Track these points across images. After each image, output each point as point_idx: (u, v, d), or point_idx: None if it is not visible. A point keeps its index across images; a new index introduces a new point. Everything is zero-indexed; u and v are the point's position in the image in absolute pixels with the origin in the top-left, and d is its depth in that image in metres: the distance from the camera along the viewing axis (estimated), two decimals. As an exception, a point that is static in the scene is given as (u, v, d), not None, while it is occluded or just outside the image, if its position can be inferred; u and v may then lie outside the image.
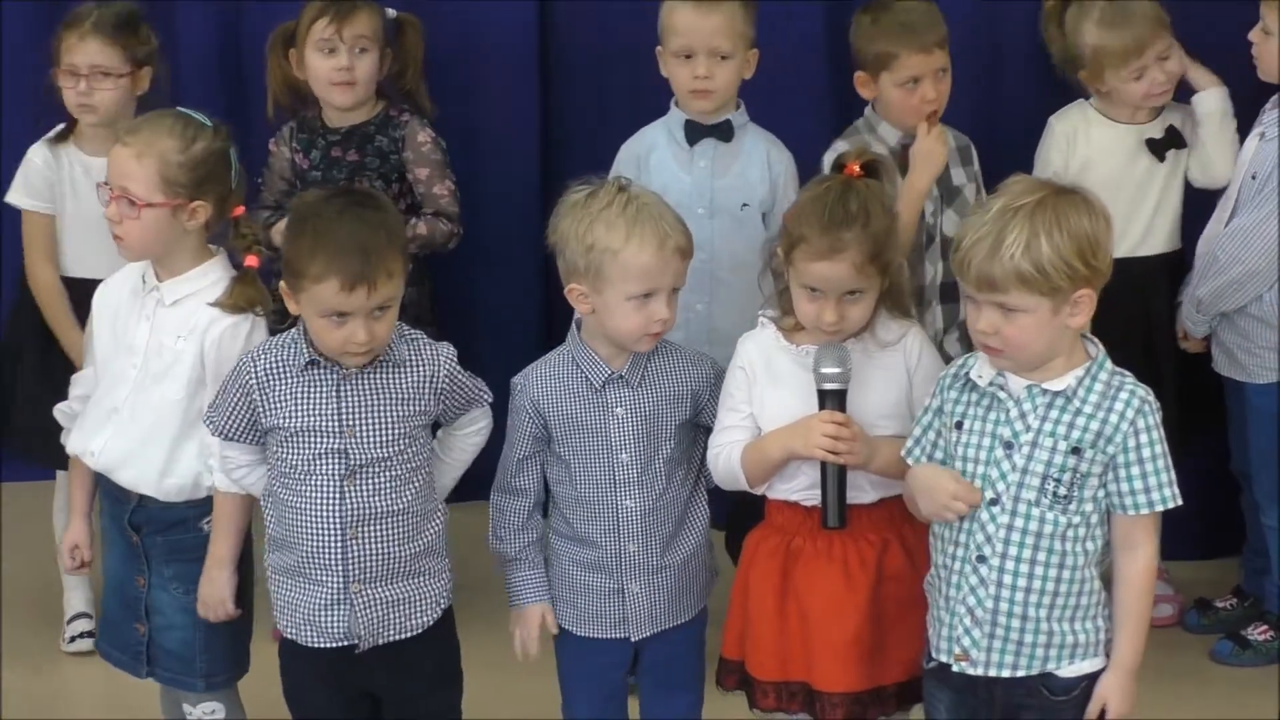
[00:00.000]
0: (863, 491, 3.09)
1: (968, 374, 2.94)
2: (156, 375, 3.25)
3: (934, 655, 2.98)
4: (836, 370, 3.00)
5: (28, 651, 4.16)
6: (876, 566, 3.10)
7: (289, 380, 3.09)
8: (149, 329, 3.26)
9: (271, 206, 4.19)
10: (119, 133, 3.30)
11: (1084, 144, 4.12)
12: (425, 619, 3.17)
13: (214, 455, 3.21)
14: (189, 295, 3.26)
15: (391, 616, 3.13)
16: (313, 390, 3.08)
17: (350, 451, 3.07)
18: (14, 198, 4.19)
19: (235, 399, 3.12)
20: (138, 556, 3.30)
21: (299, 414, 3.08)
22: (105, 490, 3.33)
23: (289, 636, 3.15)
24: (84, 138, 4.15)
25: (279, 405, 3.09)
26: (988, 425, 2.90)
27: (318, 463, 3.07)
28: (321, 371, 3.09)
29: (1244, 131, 4.08)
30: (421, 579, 3.16)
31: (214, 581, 3.26)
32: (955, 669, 2.93)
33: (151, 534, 3.29)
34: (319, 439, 3.07)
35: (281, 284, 3.08)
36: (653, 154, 3.99)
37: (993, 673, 2.91)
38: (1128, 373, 2.93)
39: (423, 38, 4.31)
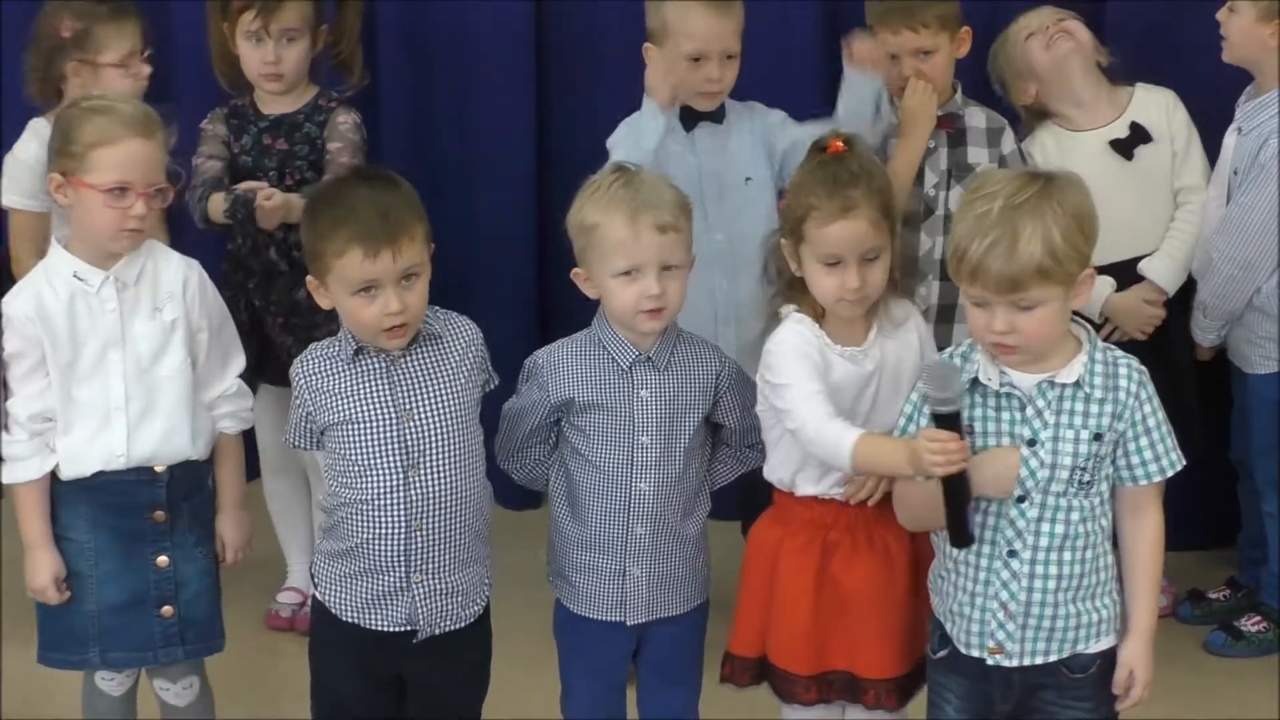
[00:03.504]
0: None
1: (974, 378, 2.93)
2: (152, 354, 3.24)
3: (963, 650, 2.98)
4: (944, 395, 2.87)
5: (25, 646, 4.16)
6: (911, 550, 3.13)
7: (336, 375, 3.08)
8: (116, 318, 3.22)
9: (206, 182, 4.10)
10: (120, 126, 3.17)
11: (1056, 157, 4.10)
12: (477, 608, 3.17)
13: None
14: (142, 270, 3.25)
15: (450, 607, 3.12)
16: (362, 381, 3.06)
17: (410, 438, 3.05)
18: (7, 200, 4.13)
19: (295, 408, 3.14)
20: (161, 536, 3.27)
21: (351, 405, 3.06)
22: (107, 491, 3.25)
23: (349, 620, 3.12)
24: None
25: (329, 400, 3.07)
26: (1003, 426, 2.91)
27: (378, 455, 3.05)
28: (370, 360, 3.07)
29: (1224, 127, 4.10)
30: (475, 567, 3.16)
31: (240, 521, 3.34)
32: (991, 663, 2.95)
33: (179, 502, 3.29)
34: (376, 428, 3.05)
35: (309, 279, 3.07)
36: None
37: (1027, 661, 2.94)
38: (1113, 346, 2.96)
39: (361, 9, 4.32)
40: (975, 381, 2.93)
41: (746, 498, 3.66)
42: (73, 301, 3.21)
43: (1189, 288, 4.15)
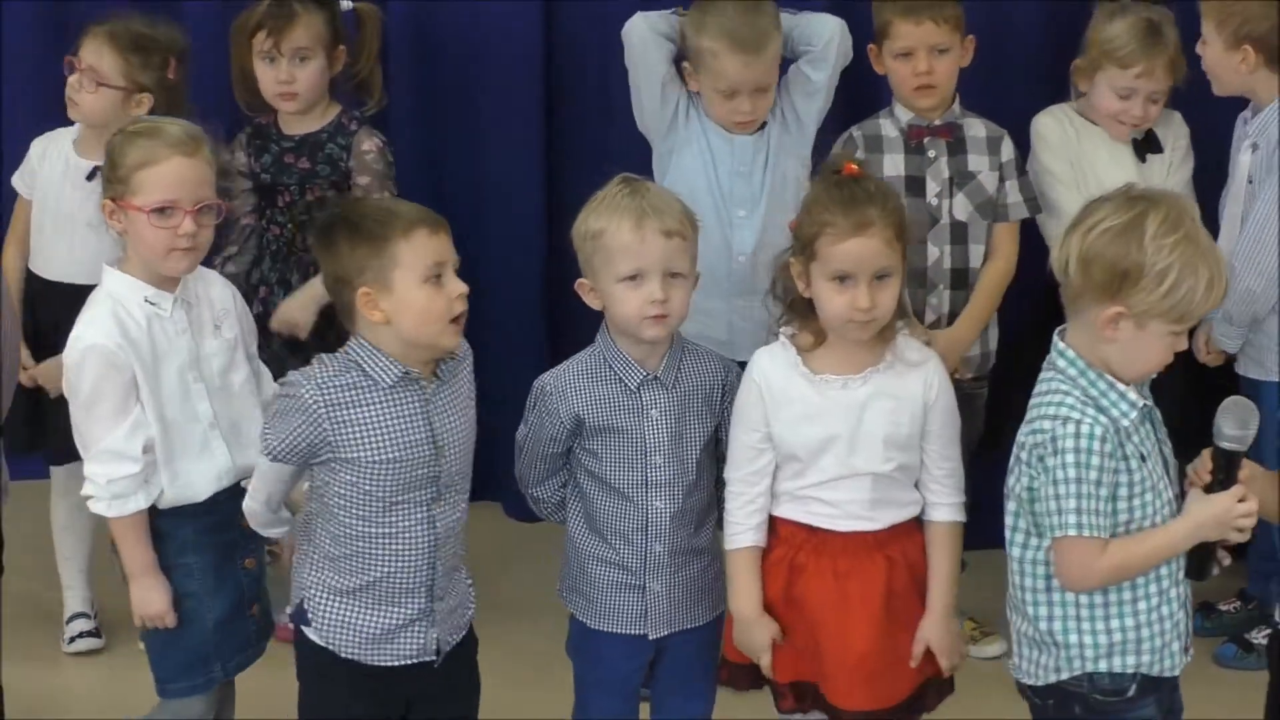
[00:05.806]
0: (872, 521, 3.10)
1: (1140, 408, 2.87)
2: (222, 372, 3.28)
3: (1169, 674, 3.00)
4: (1245, 433, 2.88)
5: (28, 651, 4.15)
6: (885, 584, 3.10)
7: (372, 406, 3.00)
8: (188, 339, 3.24)
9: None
10: (163, 145, 3.19)
11: (1074, 146, 4.17)
12: (472, 612, 3.20)
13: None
14: (196, 291, 3.28)
15: (456, 621, 3.14)
16: (400, 416, 3.00)
17: (441, 475, 3.05)
18: (14, 180, 4.27)
19: (299, 426, 3.00)
20: (247, 540, 3.30)
21: (391, 443, 3.00)
22: (211, 512, 3.27)
23: (348, 656, 3.08)
24: (80, 138, 4.17)
25: (363, 435, 2.99)
26: (1154, 445, 2.93)
27: (410, 492, 3.03)
28: (407, 392, 3.01)
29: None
30: (460, 572, 3.18)
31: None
32: (1186, 660, 3.03)
33: None
34: (415, 467, 3.02)
35: (361, 293, 2.97)
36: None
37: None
38: None
39: (380, 28, 4.32)
40: (1144, 412, 2.89)
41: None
42: (150, 326, 3.22)
43: None
